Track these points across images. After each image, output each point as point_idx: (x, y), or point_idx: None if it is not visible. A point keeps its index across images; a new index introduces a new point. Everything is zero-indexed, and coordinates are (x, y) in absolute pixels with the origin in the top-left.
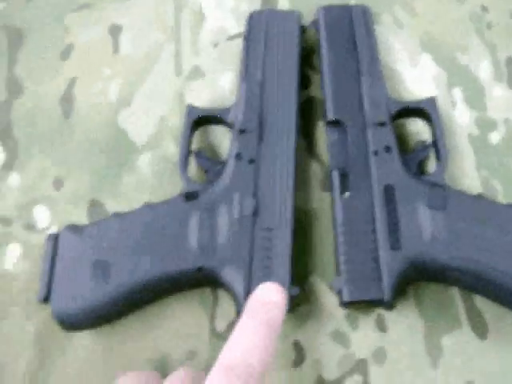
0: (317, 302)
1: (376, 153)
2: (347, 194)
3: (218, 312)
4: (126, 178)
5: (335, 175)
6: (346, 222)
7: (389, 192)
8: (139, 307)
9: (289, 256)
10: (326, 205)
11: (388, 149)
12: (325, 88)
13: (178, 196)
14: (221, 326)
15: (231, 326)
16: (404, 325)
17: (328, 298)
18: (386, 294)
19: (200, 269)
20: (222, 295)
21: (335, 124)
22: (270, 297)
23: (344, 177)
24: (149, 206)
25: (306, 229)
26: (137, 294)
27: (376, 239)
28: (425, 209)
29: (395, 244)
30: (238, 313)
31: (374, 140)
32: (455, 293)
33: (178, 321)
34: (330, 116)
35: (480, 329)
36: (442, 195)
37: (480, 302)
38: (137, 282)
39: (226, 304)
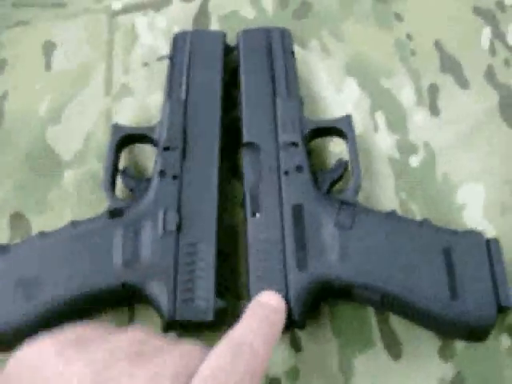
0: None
1: (287, 173)
2: (257, 214)
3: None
4: (51, 193)
5: (247, 196)
6: (255, 243)
7: (297, 211)
8: (63, 325)
9: (213, 270)
10: None
11: (299, 168)
12: (241, 111)
13: (102, 213)
14: None
15: None
16: (318, 344)
17: None
18: (294, 313)
19: (124, 284)
20: (139, 312)
21: (250, 146)
22: (270, 302)
23: (255, 198)
24: (73, 224)
25: (232, 244)
26: (61, 313)
27: (284, 259)
28: (332, 228)
29: (302, 264)
30: (164, 327)
31: (285, 160)
32: (370, 311)
33: None
34: (245, 138)
35: (394, 349)
36: (351, 214)
37: (395, 321)
38: (61, 300)
39: (141, 321)
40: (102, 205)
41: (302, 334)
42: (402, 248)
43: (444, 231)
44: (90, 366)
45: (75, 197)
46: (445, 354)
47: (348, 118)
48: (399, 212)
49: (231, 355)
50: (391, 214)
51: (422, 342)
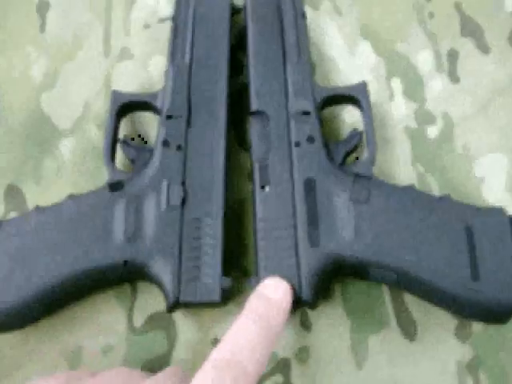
0: (243, 297)
1: (298, 144)
2: (267, 188)
3: (136, 306)
4: (47, 164)
5: (255, 168)
6: (264, 218)
7: (309, 185)
8: (64, 305)
9: (220, 246)
10: None
11: (311, 139)
12: (249, 77)
13: (102, 187)
14: (138, 320)
15: (150, 320)
16: (329, 324)
17: None
18: (305, 293)
19: (126, 262)
20: (142, 289)
21: (258, 114)
22: (271, 294)
23: (264, 170)
24: (72, 199)
25: (239, 218)
26: (60, 291)
27: (296, 235)
28: (347, 202)
29: (314, 240)
30: (169, 307)
31: (296, 130)
32: (384, 290)
33: (94, 314)
34: (253, 106)
35: (408, 328)
36: (366, 187)
37: (410, 299)
38: (59, 279)
39: (144, 298)
40: (102, 176)
41: (312, 313)
42: (420, 225)
43: (465, 208)
44: None
45: (73, 168)
46: (462, 334)
47: (363, 86)
48: (416, 185)
49: (216, 379)
50: (409, 188)
51: (437, 322)
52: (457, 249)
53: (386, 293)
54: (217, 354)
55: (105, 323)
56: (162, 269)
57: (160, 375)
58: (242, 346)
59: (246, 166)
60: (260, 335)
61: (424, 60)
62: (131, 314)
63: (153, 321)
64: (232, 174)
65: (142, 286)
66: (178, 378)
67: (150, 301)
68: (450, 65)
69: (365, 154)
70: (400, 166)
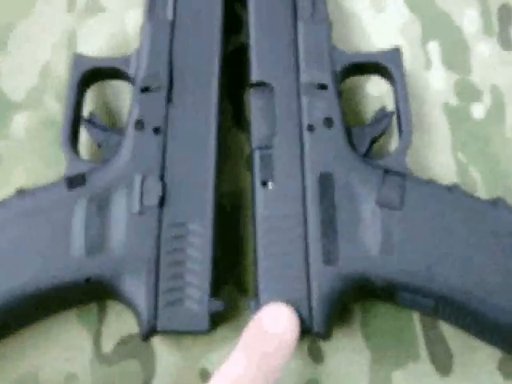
0: (238, 319)
1: (311, 128)
2: (270, 184)
3: (105, 327)
4: None
5: (255, 158)
6: (265, 224)
7: (326, 182)
8: (15, 328)
9: (209, 259)
10: None
11: (329, 122)
12: (250, 38)
13: (59, 181)
14: (107, 345)
15: (121, 345)
16: (344, 354)
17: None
18: (317, 324)
19: (88, 280)
20: (112, 306)
21: (260, 87)
22: (271, 326)
23: (267, 160)
24: (21, 195)
25: (235, 216)
26: (8, 314)
27: (306, 248)
28: (373, 206)
29: (330, 256)
30: (143, 335)
31: (309, 110)
32: (414, 315)
33: (54, 336)
34: (254, 76)
35: (442, 361)
36: (400, 187)
37: (445, 326)
38: (7, 298)
39: (114, 317)
40: (62, 161)
41: (323, 342)
42: (467, 238)
43: None
44: None
45: (28, 148)
46: (507, 369)
47: (396, 53)
48: (457, 178)
49: None
50: (453, 189)
51: (478, 354)
52: None
53: (416, 316)
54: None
55: (67, 347)
56: (135, 289)
57: None
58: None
59: (244, 151)
60: (257, 377)
61: (469, 19)
62: (98, 337)
63: (125, 346)
64: (227, 162)
65: (112, 303)
66: None
67: (122, 321)
68: (501, 26)
69: (393, 142)
70: (436, 155)
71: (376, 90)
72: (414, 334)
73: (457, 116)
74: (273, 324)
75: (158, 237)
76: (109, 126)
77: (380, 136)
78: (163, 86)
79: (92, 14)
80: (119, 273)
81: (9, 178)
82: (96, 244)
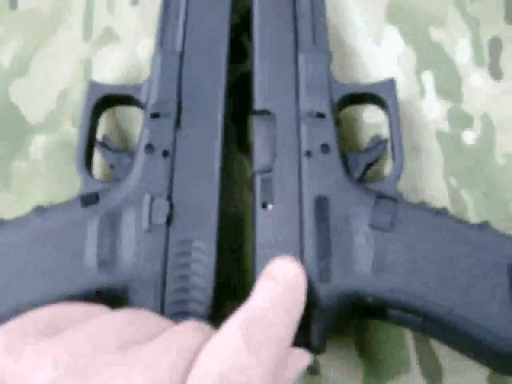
0: None
1: (309, 153)
2: (269, 206)
3: None
4: (16, 164)
5: (257, 181)
6: (264, 243)
7: (322, 205)
8: None
9: (212, 274)
10: None
11: (326, 148)
12: (253, 67)
13: (73, 199)
14: None
15: None
16: (339, 366)
17: None
18: (312, 337)
19: (99, 292)
20: None
21: (262, 115)
22: (285, 275)
23: (268, 184)
24: (38, 212)
25: (238, 237)
26: None
27: (302, 266)
28: (366, 228)
29: (324, 274)
30: None
31: (307, 136)
32: (405, 330)
33: None
34: (257, 104)
35: (433, 375)
36: (391, 210)
37: (437, 343)
38: (21, 310)
39: None
40: (78, 182)
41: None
42: (454, 260)
43: (510, 239)
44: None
45: (45, 169)
46: (496, 383)
47: (391, 84)
48: (448, 202)
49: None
50: (442, 213)
51: (468, 367)
52: (498, 292)
53: (408, 331)
54: (244, 313)
55: None
56: (141, 302)
57: (179, 328)
58: (269, 307)
59: (246, 174)
60: (286, 299)
61: (461, 50)
62: None
63: None
64: (231, 185)
65: None
66: (199, 333)
67: None
68: (492, 57)
69: (388, 167)
70: (428, 179)
71: (372, 119)
72: (405, 348)
73: (449, 142)
74: (283, 273)
75: (165, 253)
76: (121, 148)
77: (374, 162)
78: (172, 112)
79: (107, 42)
80: (127, 286)
81: (27, 196)
82: (107, 258)
